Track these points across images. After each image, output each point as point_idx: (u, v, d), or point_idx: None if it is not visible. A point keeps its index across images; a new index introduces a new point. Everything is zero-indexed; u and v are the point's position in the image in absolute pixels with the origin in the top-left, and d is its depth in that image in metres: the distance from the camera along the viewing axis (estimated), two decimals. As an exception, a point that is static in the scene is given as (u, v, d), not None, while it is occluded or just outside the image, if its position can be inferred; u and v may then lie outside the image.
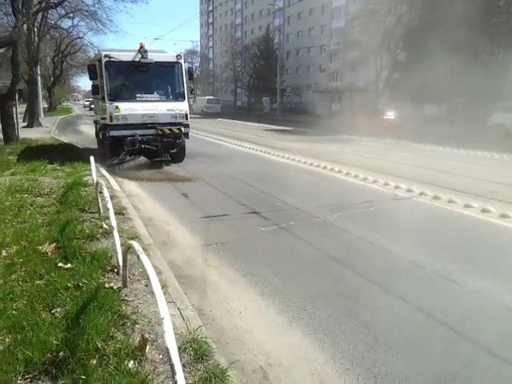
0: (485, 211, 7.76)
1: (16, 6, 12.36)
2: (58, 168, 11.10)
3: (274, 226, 7.04)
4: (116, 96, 11.92)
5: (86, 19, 27.60)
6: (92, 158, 8.51)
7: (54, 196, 8.09)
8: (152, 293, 4.25)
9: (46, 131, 23.77)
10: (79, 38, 39.99)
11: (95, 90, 12.23)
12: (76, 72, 63.16)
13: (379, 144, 20.12)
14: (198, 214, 7.84)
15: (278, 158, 14.68)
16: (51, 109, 50.01)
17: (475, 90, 27.97)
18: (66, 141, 18.73)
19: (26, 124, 25.44)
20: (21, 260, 4.85)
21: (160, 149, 12.36)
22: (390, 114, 28.24)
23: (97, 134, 15.50)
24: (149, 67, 12.13)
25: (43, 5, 19.60)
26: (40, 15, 21.91)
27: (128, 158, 11.81)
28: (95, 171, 8.38)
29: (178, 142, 12.79)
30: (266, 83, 56.93)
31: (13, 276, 4.50)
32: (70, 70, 57.25)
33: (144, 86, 12.44)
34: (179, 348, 3.35)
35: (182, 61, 12.91)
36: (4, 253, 5.16)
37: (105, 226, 6.21)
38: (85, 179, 9.20)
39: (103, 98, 11.94)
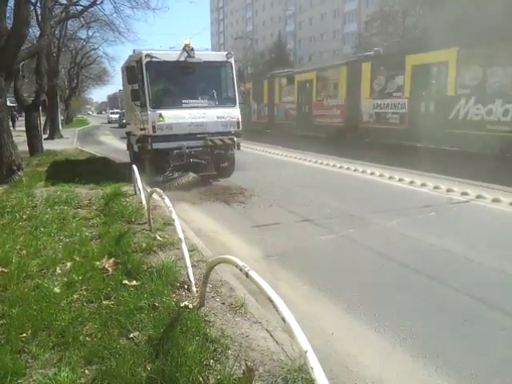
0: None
1: (44, 14, 12.18)
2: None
3: (332, 235, 6.59)
4: (159, 102, 10.28)
5: (103, 29, 27.70)
6: (135, 168, 8.14)
7: (94, 207, 7.73)
8: (233, 311, 3.88)
9: (68, 142, 23.63)
10: (94, 49, 40.26)
11: (135, 95, 10.40)
12: (90, 84, 63.78)
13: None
14: (247, 223, 7.42)
15: (311, 164, 14.19)
16: (68, 121, 50.19)
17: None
18: (93, 152, 18.36)
19: (46, 136, 25.35)
20: (80, 277, 4.46)
21: (210, 163, 10.78)
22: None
23: (130, 146, 14.12)
24: (195, 68, 10.42)
25: (63, 14, 19.55)
26: (60, 25, 21.79)
27: (176, 174, 10.24)
28: (136, 182, 8.03)
29: (229, 154, 11.20)
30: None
31: (75, 296, 4.11)
32: (85, 82, 57.65)
33: (190, 89, 10.79)
34: (286, 378, 2.93)
35: (232, 60, 11.11)
36: (58, 270, 4.78)
37: (158, 237, 5.81)
38: (123, 189, 8.83)
39: (143, 105, 10.32)
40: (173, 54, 10.44)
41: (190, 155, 10.40)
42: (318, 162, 14.08)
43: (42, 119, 27.45)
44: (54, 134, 25.88)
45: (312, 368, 2.01)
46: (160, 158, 10.26)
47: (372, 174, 11.61)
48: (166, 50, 10.97)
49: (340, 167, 12.94)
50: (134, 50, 11.19)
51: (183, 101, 10.46)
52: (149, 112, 10.04)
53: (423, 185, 9.84)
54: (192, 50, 10.34)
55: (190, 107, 10.43)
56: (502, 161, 11.62)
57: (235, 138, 10.76)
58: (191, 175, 10.29)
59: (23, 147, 15.10)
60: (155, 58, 10.08)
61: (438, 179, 10.20)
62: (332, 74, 20.74)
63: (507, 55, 12.33)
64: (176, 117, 10.19)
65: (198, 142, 10.42)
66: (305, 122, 22.45)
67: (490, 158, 11.69)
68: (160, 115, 10.02)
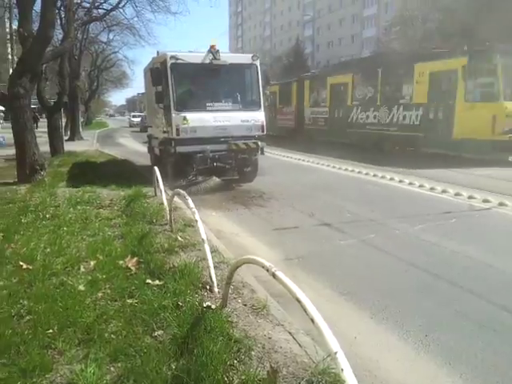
0: None
1: (69, 17, 12.41)
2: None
3: (353, 240, 6.56)
4: (183, 105, 10.06)
5: (124, 32, 28.11)
6: (156, 169, 8.22)
7: (116, 208, 7.82)
8: (255, 313, 3.89)
9: (88, 144, 23.97)
10: (114, 52, 40.88)
11: (159, 97, 10.25)
12: (110, 87, 64.68)
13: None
14: (267, 226, 7.44)
15: (329, 168, 14.17)
16: (88, 122, 50.91)
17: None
18: (113, 154, 18.53)
19: (67, 137, 25.75)
20: (103, 276, 4.51)
21: (234, 167, 10.63)
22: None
23: (151, 149, 13.92)
24: (220, 70, 10.23)
25: (86, 17, 19.87)
26: (82, 28, 22.15)
27: (199, 178, 10.02)
28: (158, 183, 8.10)
29: (253, 158, 10.90)
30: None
31: (99, 294, 4.15)
32: (105, 85, 58.46)
33: (215, 92, 10.60)
34: (310, 381, 2.93)
35: (258, 62, 10.85)
36: (82, 268, 4.84)
37: (179, 238, 5.86)
38: (144, 191, 8.90)
39: (167, 108, 10.13)
40: (198, 56, 10.27)
41: (213, 159, 10.20)
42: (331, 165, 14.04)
43: (63, 121, 27.97)
44: (74, 135, 26.28)
45: (342, 369, 2.01)
46: (183, 162, 10.08)
47: (391, 179, 11.53)
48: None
49: (359, 172, 12.89)
50: (157, 52, 11.17)
51: (208, 104, 10.28)
52: (173, 114, 9.87)
53: (444, 191, 9.73)
54: (218, 51, 10.19)
55: (215, 110, 10.25)
56: (374, 149, 17.51)
57: (259, 143, 10.54)
58: (215, 179, 10.07)
59: (45, 148, 15.33)
60: (180, 59, 9.93)
61: (456, 185, 10.11)
62: (288, 87, 26.67)
63: (374, 80, 18.59)
64: (200, 120, 10.00)
65: (222, 146, 10.21)
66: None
67: (369, 147, 17.95)
68: (184, 118, 9.84)
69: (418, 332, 3.85)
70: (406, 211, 8.18)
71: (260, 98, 10.84)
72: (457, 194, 9.36)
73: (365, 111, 19.02)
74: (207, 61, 10.11)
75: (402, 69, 17.17)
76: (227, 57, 10.51)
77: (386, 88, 18.17)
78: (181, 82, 10.27)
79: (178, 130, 9.83)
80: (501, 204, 8.39)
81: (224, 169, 10.46)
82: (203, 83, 10.53)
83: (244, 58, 11.12)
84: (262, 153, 10.86)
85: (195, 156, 10.01)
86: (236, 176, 10.93)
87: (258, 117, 10.63)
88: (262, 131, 10.64)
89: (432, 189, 10.08)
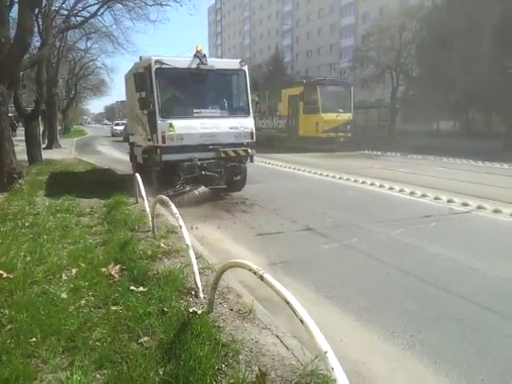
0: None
1: (47, 24, 12.25)
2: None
3: (336, 244, 6.60)
4: (169, 111, 9.65)
5: (102, 40, 27.92)
6: (138, 176, 8.15)
7: (96, 215, 7.72)
8: (241, 317, 3.87)
9: (66, 152, 23.60)
10: (93, 60, 40.54)
11: (144, 104, 9.65)
12: (88, 95, 64.00)
13: (406, 159, 19.70)
14: (250, 231, 7.44)
15: (310, 174, 14.30)
16: (65, 131, 50.19)
17: (494, 105, 27.70)
18: (91, 162, 18.29)
19: (45, 145, 25.31)
20: (86, 283, 4.44)
21: (223, 175, 10.17)
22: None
23: (133, 158, 13.44)
24: (207, 76, 9.89)
25: (64, 25, 19.66)
26: (60, 36, 21.89)
27: (187, 187, 9.52)
28: (139, 190, 8.02)
29: (243, 166, 10.58)
30: (276, 102, 56.89)
31: (82, 302, 4.08)
32: (83, 93, 57.85)
33: (202, 98, 10.21)
34: (299, 382, 2.93)
35: (246, 68, 10.57)
36: (64, 276, 4.75)
37: (162, 245, 5.81)
38: (124, 198, 8.81)
39: (152, 114, 9.64)
40: (184, 61, 9.91)
41: (201, 167, 9.77)
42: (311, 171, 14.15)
43: (41, 129, 27.53)
44: (52, 143, 25.86)
45: (333, 368, 2.02)
46: (169, 171, 9.65)
47: (372, 184, 11.68)
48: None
49: (340, 178, 13.01)
50: (140, 58, 10.87)
51: (195, 110, 9.91)
52: (158, 121, 9.45)
53: (424, 195, 9.90)
54: (204, 56, 9.86)
55: (202, 117, 9.89)
56: (267, 144, 24.34)
57: (249, 150, 10.19)
58: (203, 189, 9.67)
59: (22, 156, 15.06)
60: (165, 64, 9.57)
61: (436, 190, 10.29)
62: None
63: (264, 99, 26.23)
64: (187, 127, 9.62)
65: (210, 154, 9.85)
66: None
67: (264, 143, 23.23)
68: (170, 125, 9.45)
69: (403, 333, 3.89)
70: (387, 215, 8.28)
71: (249, 105, 10.54)
72: (436, 198, 9.53)
73: (261, 119, 27.11)
74: (193, 65, 9.78)
75: (276, 93, 27.39)
76: (214, 62, 10.28)
77: (270, 104, 27.87)
78: (166, 88, 9.92)
79: (163, 137, 9.43)
80: (479, 207, 8.59)
81: (212, 177, 10.04)
82: (189, 89, 10.16)
83: (232, 64, 10.83)
84: (251, 160, 10.59)
85: (182, 164, 9.61)
86: (223, 185, 10.52)
87: (247, 123, 10.31)
88: (252, 138, 10.32)
89: (412, 193, 10.24)
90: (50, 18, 12.79)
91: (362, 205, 9.44)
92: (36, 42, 18.07)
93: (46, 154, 19.45)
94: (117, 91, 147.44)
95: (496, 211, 8.28)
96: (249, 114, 10.46)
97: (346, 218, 8.15)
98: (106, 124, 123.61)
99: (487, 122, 30.94)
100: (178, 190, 9.34)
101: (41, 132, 20.08)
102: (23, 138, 17.29)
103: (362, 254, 6.14)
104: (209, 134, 9.78)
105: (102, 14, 19.43)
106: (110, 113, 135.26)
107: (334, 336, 3.87)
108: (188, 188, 9.50)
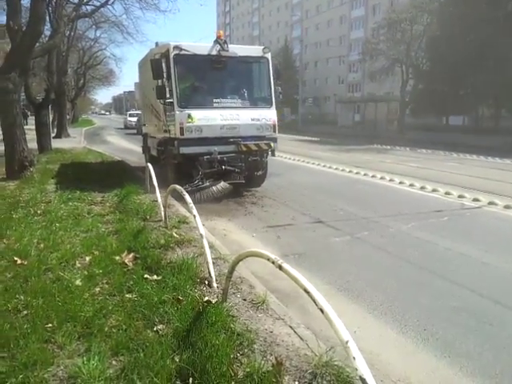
0: None
1: (58, 13, 12.26)
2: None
3: (347, 237, 6.59)
4: (188, 101, 9.04)
5: (111, 29, 27.87)
6: (150, 166, 8.16)
7: (108, 204, 7.75)
8: (254, 307, 3.88)
9: (75, 141, 23.72)
10: (102, 49, 40.51)
11: (160, 92, 8.98)
12: (96, 84, 64.04)
13: (416, 153, 19.60)
14: (261, 223, 7.44)
15: (319, 167, 14.27)
16: (74, 120, 50.35)
17: (505, 101, 27.50)
18: (101, 151, 18.31)
19: (54, 134, 25.42)
20: (100, 271, 4.47)
21: (243, 170, 9.54)
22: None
23: (146, 150, 12.94)
24: (228, 63, 9.25)
25: (74, 14, 19.62)
26: (70, 25, 21.86)
27: (207, 183, 8.91)
28: (151, 180, 8.04)
29: (264, 161, 10.02)
30: (284, 94, 56.78)
31: (97, 289, 4.11)
32: (91, 83, 57.88)
33: (223, 87, 9.62)
34: (314, 373, 2.94)
35: (269, 56, 9.81)
36: (78, 263, 4.79)
37: (175, 235, 5.83)
38: (135, 188, 8.81)
39: (169, 104, 9.06)
40: (204, 47, 9.24)
41: (221, 162, 9.19)
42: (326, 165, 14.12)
43: (51, 117, 27.66)
44: (61, 132, 25.94)
45: (354, 358, 2.02)
46: (187, 165, 9.10)
47: (382, 178, 11.64)
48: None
49: (349, 171, 12.98)
50: (156, 43, 10.41)
51: (214, 100, 9.27)
52: (176, 112, 8.85)
53: (434, 190, 9.86)
54: (225, 42, 9.26)
55: (222, 107, 9.25)
56: None
57: (272, 143, 9.51)
58: (223, 184, 9.03)
59: (32, 145, 15.10)
60: (184, 50, 8.92)
61: (447, 185, 10.23)
62: None
63: None
64: (206, 118, 9.01)
65: (230, 147, 9.22)
66: None
67: None
68: (189, 115, 8.83)
69: (417, 326, 3.89)
70: (398, 209, 8.25)
71: (271, 95, 9.84)
72: (447, 193, 9.49)
73: None
74: (214, 52, 9.15)
75: None
76: (236, 48, 9.59)
77: None
78: (185, 76, 9.28)
79: (181, 128, 8.83)
80: (490, 203, 8.52)
81: (233, 172, 9.45)
82: (210, 77, 9.55)
83: (254, 51, 10.15)
84: (273, 155, 9.96)
85: (201, 158, 9.02)
86: (242, 180, 9.71)
87: (270, 115, 9.63)
88: (274, 131, 9.65)
89: (422, 188, 10.19)
90: (61, 6, 12.78)
91: (372, 198, 9.41)
92: (46, 31, 18.11)
93: (56, 143, 19.56)
94: (125, 81, 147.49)
95: (507, 207, 8.23)
96: (271, 104, 9.82)
97: (357, 211, 8.13)
98: (104, 114, 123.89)
99: (497, 118, 30.69)
100: (197, 186, 8.79)
101: (50, 121, 20.18)
102: (33, 126, 17.37)
103: (373, 247, 6.13)
104: (229, 125, 9.19)
105: (113, 3, 19.37)
106: (118, 103, 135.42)
107: (348, 327, 3.87)
108: (208, 183, 8.93)
